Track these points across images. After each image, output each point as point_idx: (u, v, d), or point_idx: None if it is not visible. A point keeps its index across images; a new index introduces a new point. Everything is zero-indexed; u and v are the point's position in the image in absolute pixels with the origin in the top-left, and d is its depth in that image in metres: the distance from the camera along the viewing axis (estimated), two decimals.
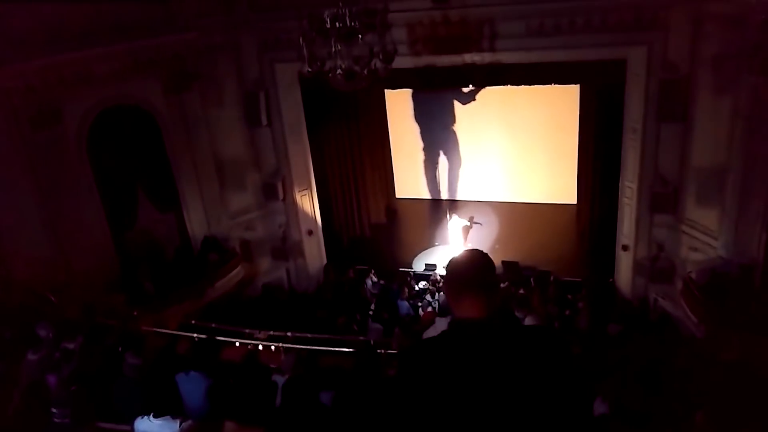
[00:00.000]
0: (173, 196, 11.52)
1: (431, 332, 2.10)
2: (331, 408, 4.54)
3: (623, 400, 4.34)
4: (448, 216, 14.90)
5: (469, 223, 14.17)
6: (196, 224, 11.87)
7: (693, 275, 9.95)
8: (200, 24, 10.81)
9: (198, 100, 11.43)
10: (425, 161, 15.89)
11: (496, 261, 13.47)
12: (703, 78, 9.56)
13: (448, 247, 14.22)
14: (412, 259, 14.19)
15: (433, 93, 14.64)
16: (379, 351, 6.18)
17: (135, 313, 8.97)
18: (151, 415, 3.28)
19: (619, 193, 11.51)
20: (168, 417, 3.65)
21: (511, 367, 1.93)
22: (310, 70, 8.14)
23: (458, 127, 15.71)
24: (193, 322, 9.31)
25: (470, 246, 13.95)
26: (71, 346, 5.71)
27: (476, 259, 2.15)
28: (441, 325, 3.01)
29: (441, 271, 13.37)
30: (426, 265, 13.80)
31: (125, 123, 10.45)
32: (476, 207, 15.69)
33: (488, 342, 1.98)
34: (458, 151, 15.93)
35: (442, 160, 15.16)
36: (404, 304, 11.87)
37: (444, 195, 15.48)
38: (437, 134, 15.54)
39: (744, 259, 9.13)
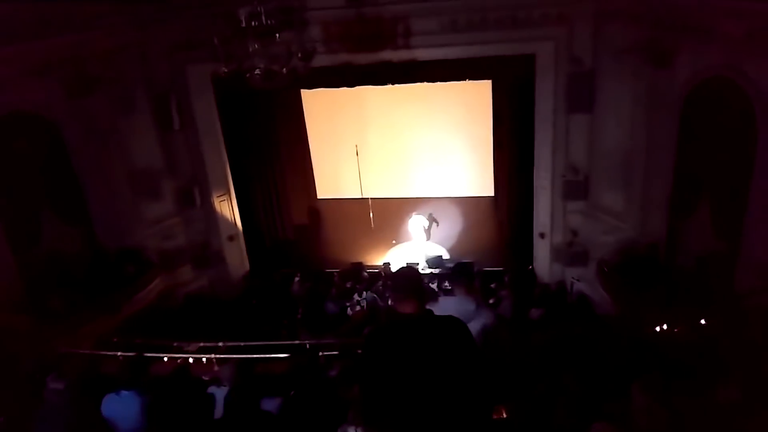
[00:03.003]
0: (82, 207, 10.80)
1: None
2: (278, 415, 4.43)
3: (563, 380, 4.53)
4: (371, 215, 14.94)
5: (428, 222, 14.35)
6: (109, 236, 11.19)
7: (605, 257, 10.57)
8: (103, 23, 10.19)
9: (105, 105, 10.76)
10: (344, 161, 15.84)
11: (422, 257, 13.82)
12: (606, 70, 10.15)
13: (409, 244, 14.54)
14: (347, 258, 13.97)
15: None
16: (319, 353, 6.11)
17: (45, 334, 8.35)
18: None
19: (534, 184, 12.00)
20: None
21: (431, 344, 3.01)
22: (226, 70, 7.91)
23: (376, 126, 15.78)
24: (114, 339, 8.77)
25: (432, 242, 14.33)
26: None
27: (414, 275, 3.26)
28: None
29: (370, 269, 13.38)
30: (352, 263, 13.74)
31: (24, 131, 9.68)
32: (398, 204, 15.83)
33: (419, 329, 3.06)
34: (377, 149, 15.99)
35: (362, 159, 15.17)
36: (330, 305, 11.76)
37: (365, 194, 15.53)
38: (355, 133, 15.52)
39: (650, 238, 9.79)
